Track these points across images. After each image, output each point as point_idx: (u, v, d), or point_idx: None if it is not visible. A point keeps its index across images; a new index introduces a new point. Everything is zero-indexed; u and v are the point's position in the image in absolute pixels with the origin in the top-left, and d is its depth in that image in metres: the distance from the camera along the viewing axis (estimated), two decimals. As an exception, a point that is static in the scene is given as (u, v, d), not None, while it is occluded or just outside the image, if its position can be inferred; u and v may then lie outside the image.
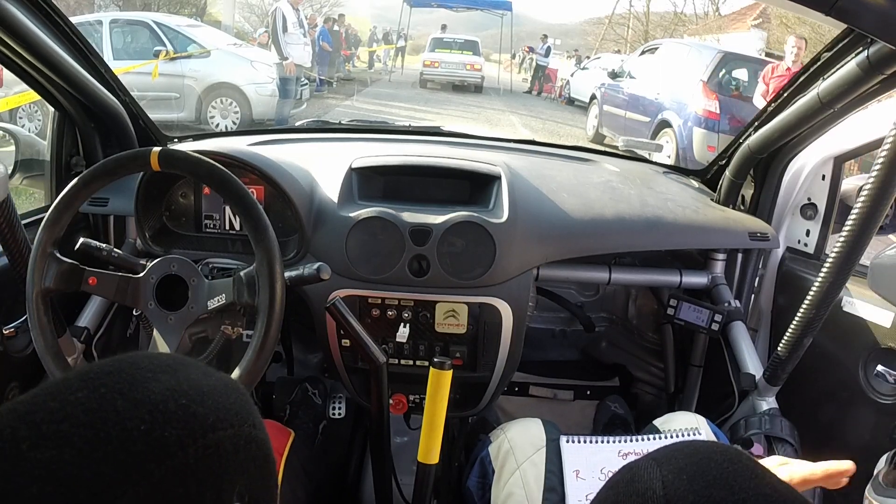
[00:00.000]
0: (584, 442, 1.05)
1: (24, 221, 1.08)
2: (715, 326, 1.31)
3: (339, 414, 1.58)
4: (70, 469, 0.31)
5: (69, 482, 0.30)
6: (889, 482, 0.76)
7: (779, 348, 1.08)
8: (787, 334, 1.05)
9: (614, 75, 8.14)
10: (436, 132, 1.77)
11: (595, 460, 1.01)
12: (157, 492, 0.32)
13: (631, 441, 1.04)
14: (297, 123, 1.87)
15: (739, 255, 1.43)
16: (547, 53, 13.90)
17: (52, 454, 0.31)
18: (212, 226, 1.29)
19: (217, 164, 0.93)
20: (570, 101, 12.50)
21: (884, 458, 0.81)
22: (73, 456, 0.31)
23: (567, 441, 1.04)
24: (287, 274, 0.96)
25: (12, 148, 1.40)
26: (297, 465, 1.05)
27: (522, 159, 1.47)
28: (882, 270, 0.98)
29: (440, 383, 0.95)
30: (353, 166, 1.28)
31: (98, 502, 0.31)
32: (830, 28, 0.91)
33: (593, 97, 8.77)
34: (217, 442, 0.35)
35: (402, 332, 1.18)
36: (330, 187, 1.25)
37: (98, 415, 0.33)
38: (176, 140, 1.57)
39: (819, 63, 1.07)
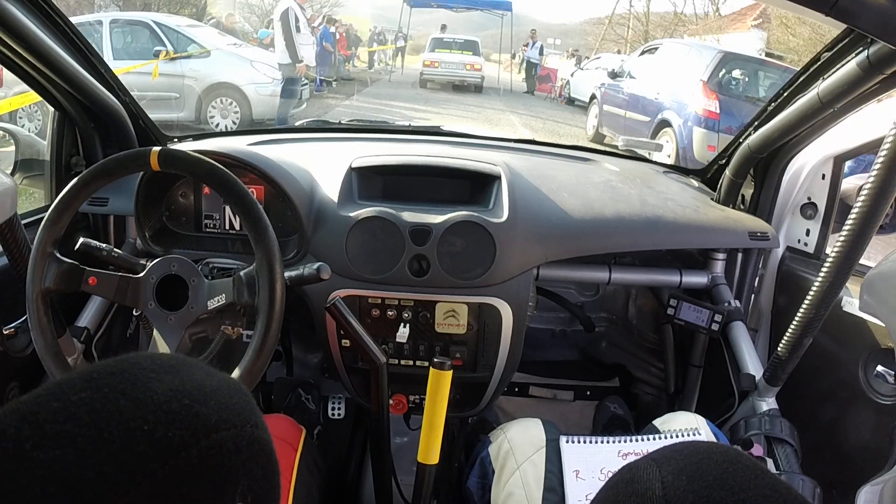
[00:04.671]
0: (584, 442, 1.05)
1: (24, 221, 1.08)
2: (715, 326, 1.31)
3: (339, 414, 1.58)
4: (73, 469, 0.31)
5: (72, 482, 0.30)
6: None
7: (779, 348, 1.08)
8: (787, 334, 1.05)
9: (614, 75, 8.14)
10: (436, 132, 1.77)
11: (595, 460, 1.01)
12: (161, 492, 0.32)
13: (631, 441, 1.04)
14: (297, 123, 1.87)
15: (739, 255, 1.43)
16: (540, 52, 13.89)
17: (56, 454, 0.31)
18: (212, 226, 1.29)
19: (217, 163, 0.93)
20: (570, 101, 12.50)
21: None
22: (77, 456, 0.31)
23: (567, 441, 1.04)
24: (287, 274, 0.97)
25: (12, 148, 1.40)
26: (311, 461, 1.06)
27: (522, 159, 1.47)
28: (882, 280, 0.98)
29: (440, 383, 0.95)
30: (353, 166, 1.28)
31: (101, 502, 0.31)
32: (830, 28, 0.91)
33: (593, 97, 8.77)
34: (220, 442, 0.35)
35: (402, 333, 1.18)
36: (330, 187, 1.25)
37: (101, 415, 0.33)
38: (176, 140, 1.57)
39: (819, 63, 1.07)
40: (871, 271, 1.00)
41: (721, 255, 1.41)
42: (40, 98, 1.28)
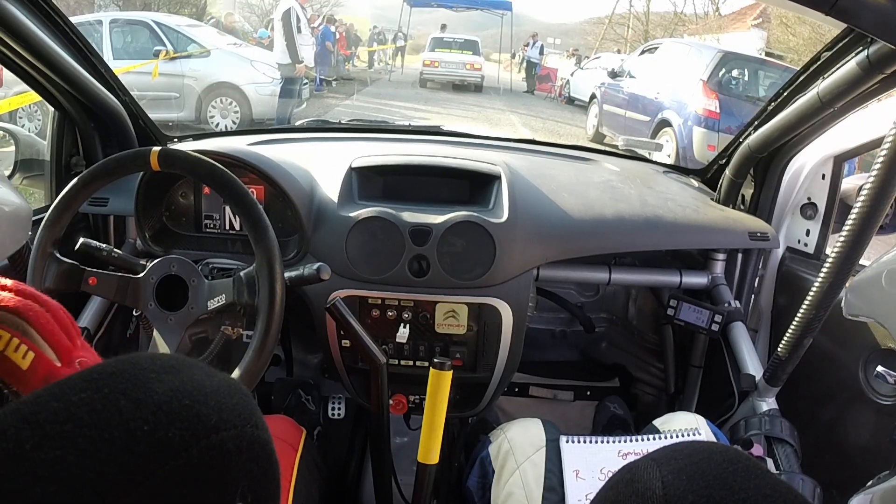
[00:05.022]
0: (584, 442, 1.05)
1: (24, 221, 1.08)
2: (715, 327, 1.31)
3: (339, 414, 1.58)
4: (74, 470, 0.31)
5: (73, 483, 0.30)
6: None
7: (779, 349, 1.08)
8: (787, 335, 1.05)
9: (614, 75, 8.14)
10: (436, 132, 1.77)
11: (595, 460, 1.01)
12: (161, 492, 0.32)
13: (631, 441, 1.04)
14: (297, 123, 1.87)
15: (739, 256, 1.43)
16: (540, 51, 13.91)
17: (56, 455, 0.31)
18: (212, 226, 1.29)
19: (217, 163, 0.93)
20: (570, 101, 12.51)
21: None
22: (77, 456, 0.31)
23: (567, 441, 1.04)
24: (287, 274, 0.97)
25: (12, 148, 1.40)
26: (311, 462, 1.06)
27: (522, 159, 1.47)
28: (863, 289, 1.00)
29: (440, 384, 0.95)
30: (353, 166, 1.28)
31: (101, 502, 0.31)
32: (830, 28, 0.92)
33: (593, 96, 8.77)
34: (220, 442, 0.35)
35: (402, 333, 1.18)
36: (330, 187, 1.25)
37: (101, 415, 0.33)
38: (176, 140, 1.57)
39: (819, 62, 1.07)
40: (855, 279, 1.01)
41: (721, 256, 1.41)
42: (40, 98, 1.28)
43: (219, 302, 0.95)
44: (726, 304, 1.34)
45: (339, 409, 1.59)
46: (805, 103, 1.09)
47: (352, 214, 1.18)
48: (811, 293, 0.98)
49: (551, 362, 1.82)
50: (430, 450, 0.98)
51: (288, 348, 1.58)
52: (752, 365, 1.22)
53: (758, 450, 1.04)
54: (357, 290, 1.18)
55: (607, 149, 1.87)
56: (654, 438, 1.05)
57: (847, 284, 0.98)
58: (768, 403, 1.15)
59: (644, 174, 1.52)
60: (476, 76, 12.90)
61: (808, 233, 1.36)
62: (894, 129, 0.79)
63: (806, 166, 1.31)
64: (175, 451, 0.33)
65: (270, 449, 0.41)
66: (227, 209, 1.28)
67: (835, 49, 1.02)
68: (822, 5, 0.68)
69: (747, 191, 1.41)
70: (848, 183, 1.33)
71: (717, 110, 6.10)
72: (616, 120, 7.82)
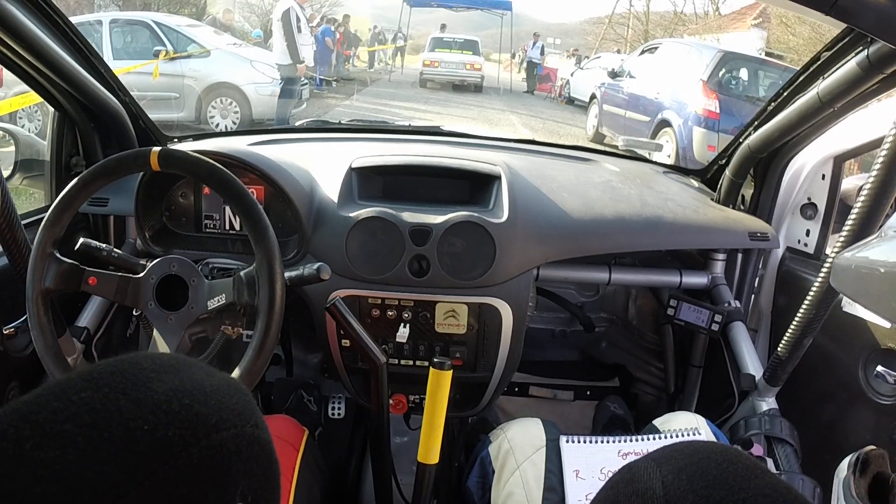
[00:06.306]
0: (584, 442, 1.05)
1: (24, 221, 1.08)
2: (715, 327, 1.31)
3: (339, 414, 1.59)
4: (73, 469, 0.31)
5: (73, 482, 0.30)
6: (860, 494, 0.75)
7: (779, 348, 1.08)
8: (787, 334, 1.05)
9: (614, 75, 8.14)
10: (436, 132, 1.77)
11: (595, 460, 1.01)
12: (161, 492, 0.32)
13: (631, 441, 1.04)
14: (297, 123, 1.87)
15: (739, 255, 1.43)
16: (541, 52, 13.93)
17: (56, 454, 0.31)
18: (212, 226, 1.29)
19: (217, 164, 0.93)
20: (570, 101, 12.51)
21: (845, 462, 0.80)
22: (77, 456, 0.31)
23: (567, 441, 1.04)
24: (287, 274, 0.97)
25: (12, 148, 1.40)
26: (313, 462, 1.06)
27: (522, 159, 1.47)
28: (842, 270, 0.98)
29: (440, 383, 0.95)
30: (353, 166, 1.28)
31: (101, 502, 0.31)
32: (830, 28, 0.92)
33: (593, 97, 8.77)
34: (220, 442, 0.35)
35: (402, 333, 1.19)
36: (330, 187, 1.25)
37: (101, 415, 0.33)
38: (176, 140, 1.57)
39: (819, 62, 1.07)
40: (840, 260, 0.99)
41: (721, 256, 1.41)
42: (40, 99, 1.28)
43: (219, 302, 0.95)
44: (726, 304, 1.34)
45: (339, 408, 1.59)
46: (805, 103, 1.09)
47: (352, 214, 1.18)
48: (811, 293, 0.98)
49: (551, 362, 1.82)
50: (430, 450, 0.98)
51: (288, 348, 1.58)
52: (752, 365, 1.22)
53: (758, 450, 1.04)
54: (357, 289, 1.18)
55: (607, 149, 1.87)
56: (654, 438, 1.05)
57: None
58: (768, 403, 1.15)
59: (644, 174, 1.52)
60: (476, 76, 12.90)
61: (808, 233, 1.36)
62: (894, 129, 0.79)
63: (806, 166, 1.31)
64: (175, 450, 0.33)
65: (270, 448, 0.41)
66: (227, 209, 1.28)
67: (835, 49, 1.02)
68: (822, 5, 0.68)
69: (747, 191, 1.41)
70: (848, 183, 1.33)
71: (717, 110, 6.10)
72: (616, 120, 7.82)
